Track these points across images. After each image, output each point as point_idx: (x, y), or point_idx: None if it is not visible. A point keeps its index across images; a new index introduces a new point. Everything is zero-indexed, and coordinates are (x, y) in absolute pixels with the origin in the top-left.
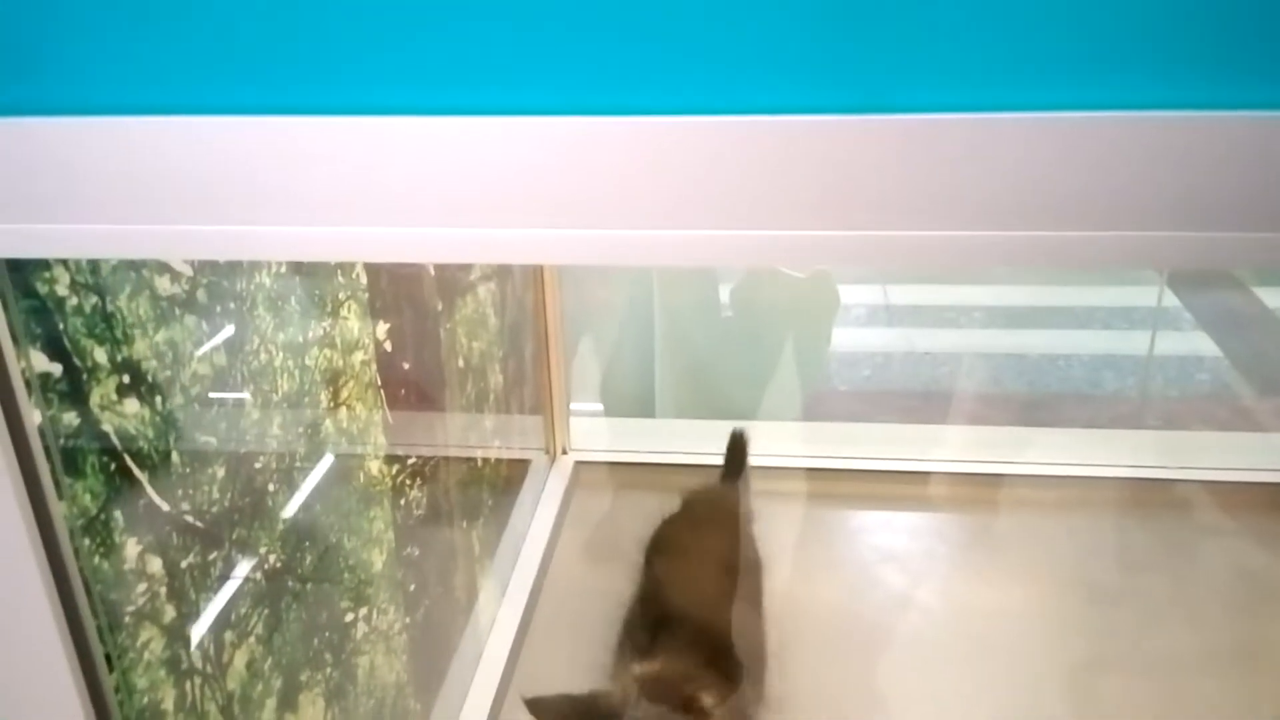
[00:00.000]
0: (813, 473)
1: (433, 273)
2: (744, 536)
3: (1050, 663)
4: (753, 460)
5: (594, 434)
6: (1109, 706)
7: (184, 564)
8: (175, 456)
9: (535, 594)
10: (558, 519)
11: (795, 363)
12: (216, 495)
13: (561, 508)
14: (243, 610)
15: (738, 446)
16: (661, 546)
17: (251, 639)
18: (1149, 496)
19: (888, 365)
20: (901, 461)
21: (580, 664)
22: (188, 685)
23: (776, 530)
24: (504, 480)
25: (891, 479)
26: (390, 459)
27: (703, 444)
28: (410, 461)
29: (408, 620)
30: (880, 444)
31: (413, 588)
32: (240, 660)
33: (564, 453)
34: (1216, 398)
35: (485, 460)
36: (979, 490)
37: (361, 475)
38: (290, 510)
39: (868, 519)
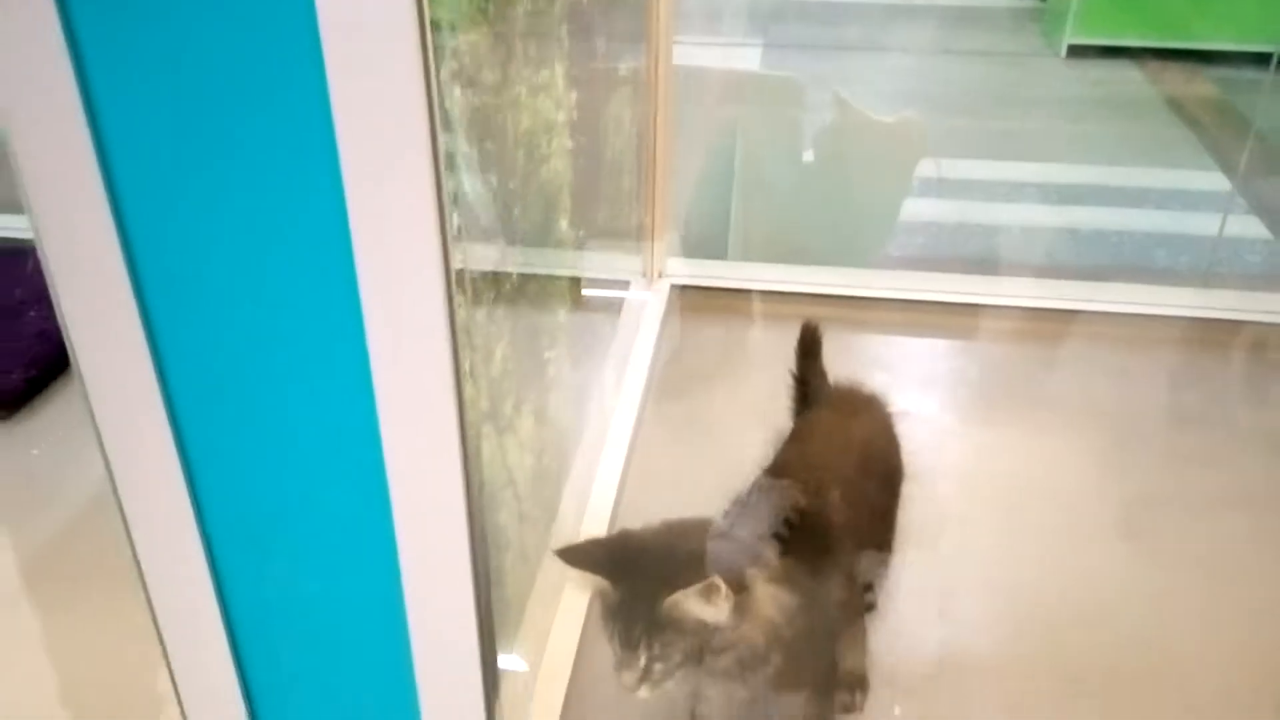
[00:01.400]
0: (874, 303)
1: (600, 54)
2: (895, 442)
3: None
4: (819, 290)
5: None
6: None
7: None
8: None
9: (645, 398)
10: (660, 332)
11: (874, 208)
12: (496, 210)
13: (662, 326)
14: (497, 316)
15: (811, 339)
16: (812, 431)
17: (497, 358)
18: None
19: (940, 235)
20: (957, 294)
21: (684, 451)
22: (466, 359)
23: (845, 355)
24: (613, 293)
25: (943, 310)
26: (574, 221)
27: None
28: (580, 233)
29: (570, 379)
30: (938, 284)
31: (566, 363)
32: (496, 366)
33: (660, 276)
34: (1267, 277)
35: (602, 262)
36: (1030, 324)
37: (555, 231)
38: (525, 234)
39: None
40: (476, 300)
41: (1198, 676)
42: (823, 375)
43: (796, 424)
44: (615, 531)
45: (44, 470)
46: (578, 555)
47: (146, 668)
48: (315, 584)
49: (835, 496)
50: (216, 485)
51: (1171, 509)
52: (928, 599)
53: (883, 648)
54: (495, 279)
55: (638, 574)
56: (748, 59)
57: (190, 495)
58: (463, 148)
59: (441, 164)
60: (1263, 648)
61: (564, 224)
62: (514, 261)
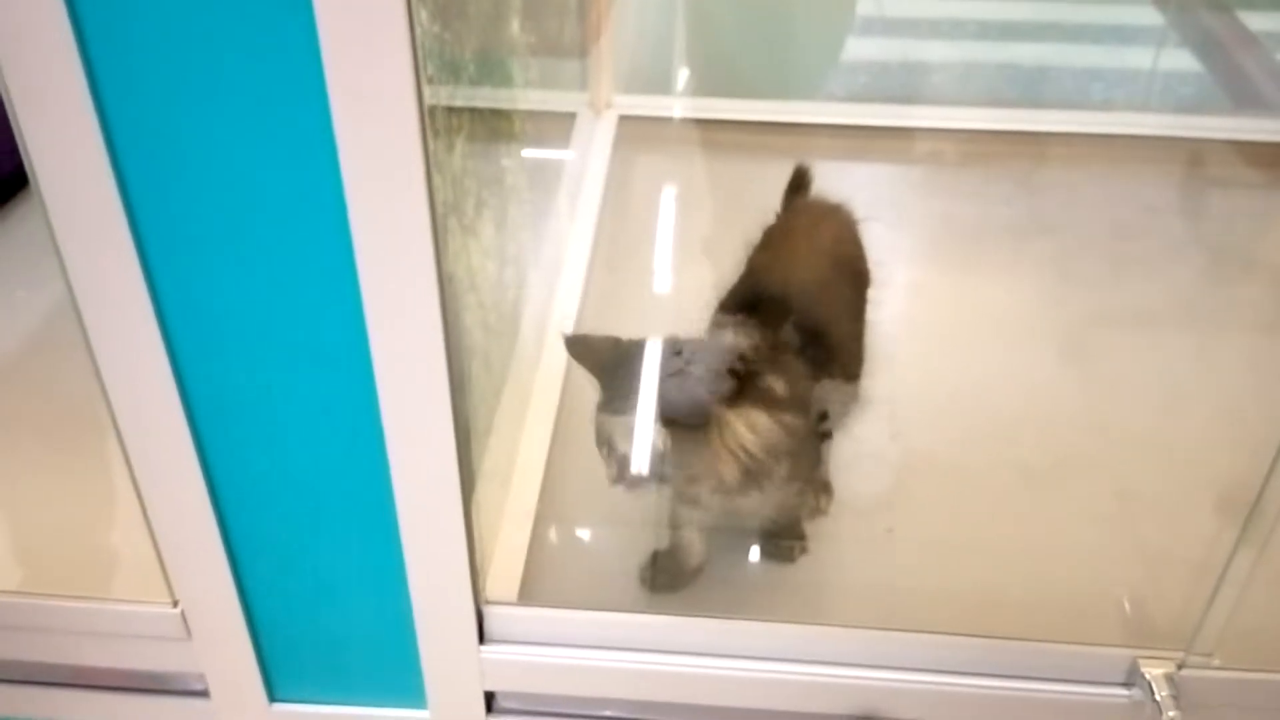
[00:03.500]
0: (819, 129)
1: None
2: (861, 247)
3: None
4: (764, 118)
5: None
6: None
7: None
8: None
9: (599, 224)
10: (610, 161)
11: (820, 38)
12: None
13: (612, 154)
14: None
15: (800, 181)
16: (779, 235)
17: (457, 151)
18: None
19: (884, 74)
20: (900, 119)
21: (640, 275)
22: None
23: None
24: (564, 122)
25: (887, 136)
26: (524, 27)
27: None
28: (530, 40)
29: (526, 197)
30: (883, 111)
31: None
32: (457, 162)
33: (608, 107)
34: (1200, 108)
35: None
36: (971, 147)
37: (507, 30)
38: (477, 22)
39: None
40: (430, 81)
41: (1140, 473)
42: None
43: (764, 233)
44: (630, 339)
45: None
46: (578, 346)
47: (99, 523)
48: (285, 377)
49: (805, 300)
50: (179, 281)
51: (1116, 319)
52: (879, 421)
53: (840, 471)
54: (453, 67)
55: (620, 382)
56: None
57: (148, 286)
58: None
59: None
60: (1205, 448)
61: (515, 25)
62: (470, 47)
